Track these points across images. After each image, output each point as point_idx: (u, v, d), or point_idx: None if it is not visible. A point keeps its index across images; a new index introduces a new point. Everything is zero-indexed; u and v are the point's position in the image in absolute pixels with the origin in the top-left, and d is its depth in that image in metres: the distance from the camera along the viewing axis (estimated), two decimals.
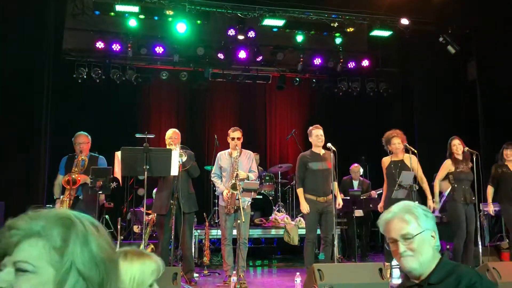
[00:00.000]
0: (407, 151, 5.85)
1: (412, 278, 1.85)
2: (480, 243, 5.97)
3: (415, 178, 5.68)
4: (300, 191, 5.82)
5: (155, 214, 5.96)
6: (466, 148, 6.01)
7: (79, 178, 5.22)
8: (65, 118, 8.75)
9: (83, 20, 8.76)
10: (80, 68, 9.05)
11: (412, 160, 5.74)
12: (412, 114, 9.50)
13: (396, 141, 5.84)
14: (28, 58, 6.83)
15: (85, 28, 8.97)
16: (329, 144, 5.69)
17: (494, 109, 8.43)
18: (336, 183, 5.87)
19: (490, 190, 6.21)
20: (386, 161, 5.94)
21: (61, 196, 5.39)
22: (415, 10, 8.51)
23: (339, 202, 5.91)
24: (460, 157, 6.01)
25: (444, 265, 1.78)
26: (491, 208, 6.20)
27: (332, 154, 5.67)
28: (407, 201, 1.91)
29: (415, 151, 5.78)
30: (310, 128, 5.95)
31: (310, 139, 5.91)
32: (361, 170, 8.68)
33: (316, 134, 5.81)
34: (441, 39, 8.82)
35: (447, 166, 6.02)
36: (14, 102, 6.70)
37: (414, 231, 1.78)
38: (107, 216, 7.79)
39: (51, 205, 7.21)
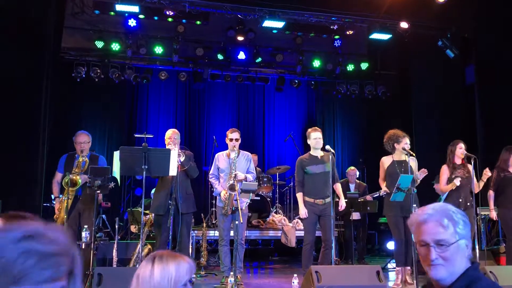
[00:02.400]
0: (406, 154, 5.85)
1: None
2: (477, 247, 5.97)
3: (413, 181, 5.66)
4: (299, 195, 5.81)
5: (153, 214, 5.94)
6: (465, 153, 6.01)
7: (79, 180, 5.20)
8: (63, 117, 8.75)
9: (83, 19, 8.77)
10: (79, 67, 9.04)
11: (412, 162, 5.74)
12: (411, 117, 9.51)
13: (407, 141, 5.81)
14: (27, 57, 6.80)
15: (84, 27, 8.98)
16: (328, 146, 5.68)
17: (492, 113, 8.45)
18: (339, 184, 5.92)
19: (492, 195, 6.15)
20: (387, 160, 5.85)
21: (61, 196, 5.37)
22: (415, 13, 8.52)
23: (342, 203, 5.92)
24: (459, 161, 6.01)
25: (466, 276, 1.61)
26: (494, 214, 6.15)
27: (331, 156, 5.67)
28: (446, 203, 1.71)
29: (414, 155, 5.78)
30: (309, 130, 5.95)
31: (309, 141, 5.90)
32: (357, 173, 8.69)
33: (314, 137, 5.80)
34: (440, 42, 8.84)
35: (445, 171, 6.01)
36: (12, 101, 6.67)
37: (451, 239, 1.60)
38: (104, 216, 7.77)
39: (48, 204, 7.23)
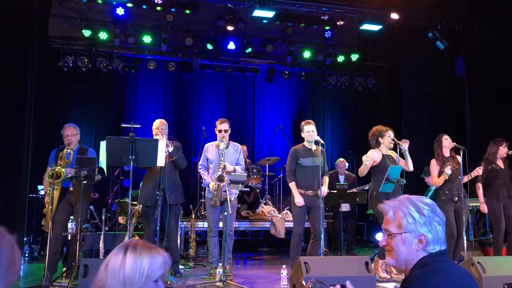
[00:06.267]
0: (394, 145, 5.86)
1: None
2: (465, 238, 6.00)
3: (402, 172, 5.68)
4: (292, 185, 5.78)
5: (141, 205, 5.89)
6: (454, 144, 6.02)
7: (63, 171, 5.09)
8: (50, 107, 8.61)
9: (70, 7, 8.61)
10: (66, 56, 8.87)
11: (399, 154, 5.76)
12: (400, 109, 9.53)
13: (391, 134, 5.83)
14: (12, 45, 6.67)
15: (71, 15, 8.81)
16: (317, 137, 5.68)
17: (481, 105, 8.49)
18: (327, 177, 5.89)
19: (481, 188, 6.17)
20: (377, 155, 5.85)
21: (50, 189, 5.24)
22: (405, 5, 8.51)
23: (324, 190, 5.72)
24: (448, 154, 6.03)
25: (418, 266, 1.71)
26: (484, 207, 6.18)
27: (321, 147, 5.67)
28: (409, 197, 1.78)
29: (400, 143, 5.78)
30: (302, 123, 5.94)
31: (302, 134, 5.89)
32: (347, 164, 8.68)
33: (308, 130, 5.79)
34: (430, 34, 8.84)
35: (435, 166, 6.02)
36: None
37: (394, 230, 1.74)
38: (92, 207, 7.68)
39: (34, 195, 7.13)
